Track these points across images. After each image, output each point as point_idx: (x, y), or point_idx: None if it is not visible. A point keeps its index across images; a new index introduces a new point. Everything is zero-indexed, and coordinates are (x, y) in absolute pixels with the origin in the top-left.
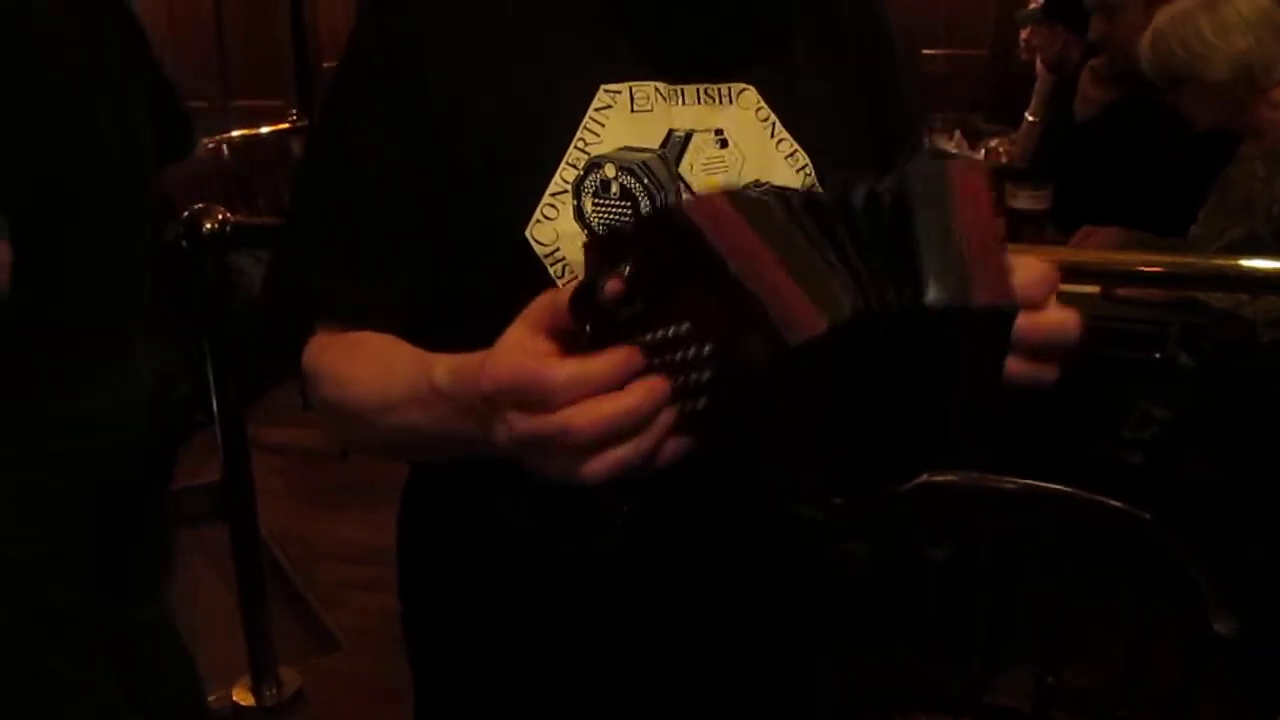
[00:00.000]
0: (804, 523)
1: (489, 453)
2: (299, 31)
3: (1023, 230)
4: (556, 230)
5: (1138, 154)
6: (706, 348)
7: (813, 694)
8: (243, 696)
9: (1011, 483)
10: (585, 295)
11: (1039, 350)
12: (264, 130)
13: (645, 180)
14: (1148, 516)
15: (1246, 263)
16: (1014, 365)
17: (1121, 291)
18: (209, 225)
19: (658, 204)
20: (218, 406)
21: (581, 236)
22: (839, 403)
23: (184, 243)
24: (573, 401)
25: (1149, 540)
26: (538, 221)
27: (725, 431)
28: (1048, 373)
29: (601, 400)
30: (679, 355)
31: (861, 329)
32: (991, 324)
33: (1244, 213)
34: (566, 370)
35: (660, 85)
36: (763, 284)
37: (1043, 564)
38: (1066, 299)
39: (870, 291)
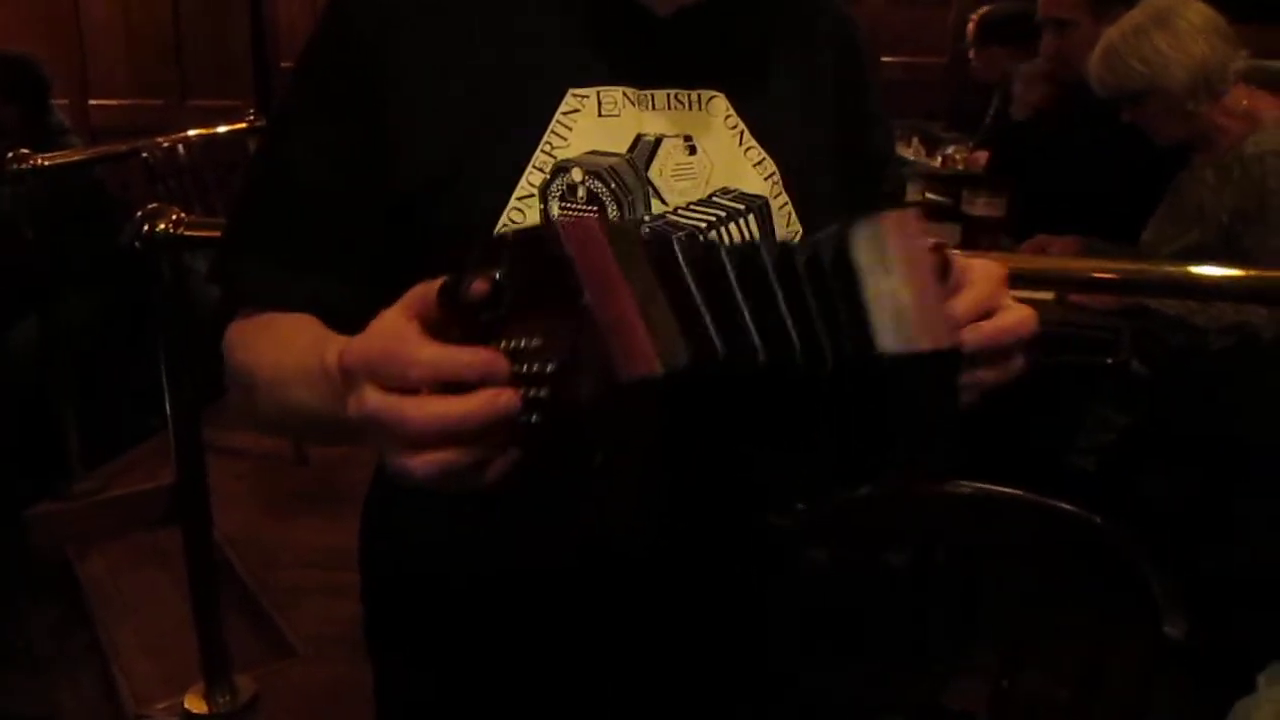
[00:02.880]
0: (769, 529)
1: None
2: (258, 31)
3: (979, 237)
4: (523, 216)
5: (1081, 155)
6: (549, 366)
7: (780, 698)
8: (195, 704)
9: (966, 487)
10: (451, 290)
11: (1004, 352)
12: (221, 129)
13: (613, 185)
14: (1098, 520)
15: (1196, 269)
16: (984, 374)
17: (1074, 297)
18: (162, 226)
19: (551, 225)
20: (172, 408)
21: (541, 217)
22: (667, 455)
23: (137, 244)
24: (427, 383)
25: (1101, 544)
26: (504, 225)
27: (550, 456)
28: (1017, 368)
29: (447, 400)
30: (525, 368)
31: (707, 381)
32: (939, 365)
33: (1195, 220)
34: (428, 352)
35: (629, 90)
36: (609, 316)
37: (1000, 568)
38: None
39: (737, 344)
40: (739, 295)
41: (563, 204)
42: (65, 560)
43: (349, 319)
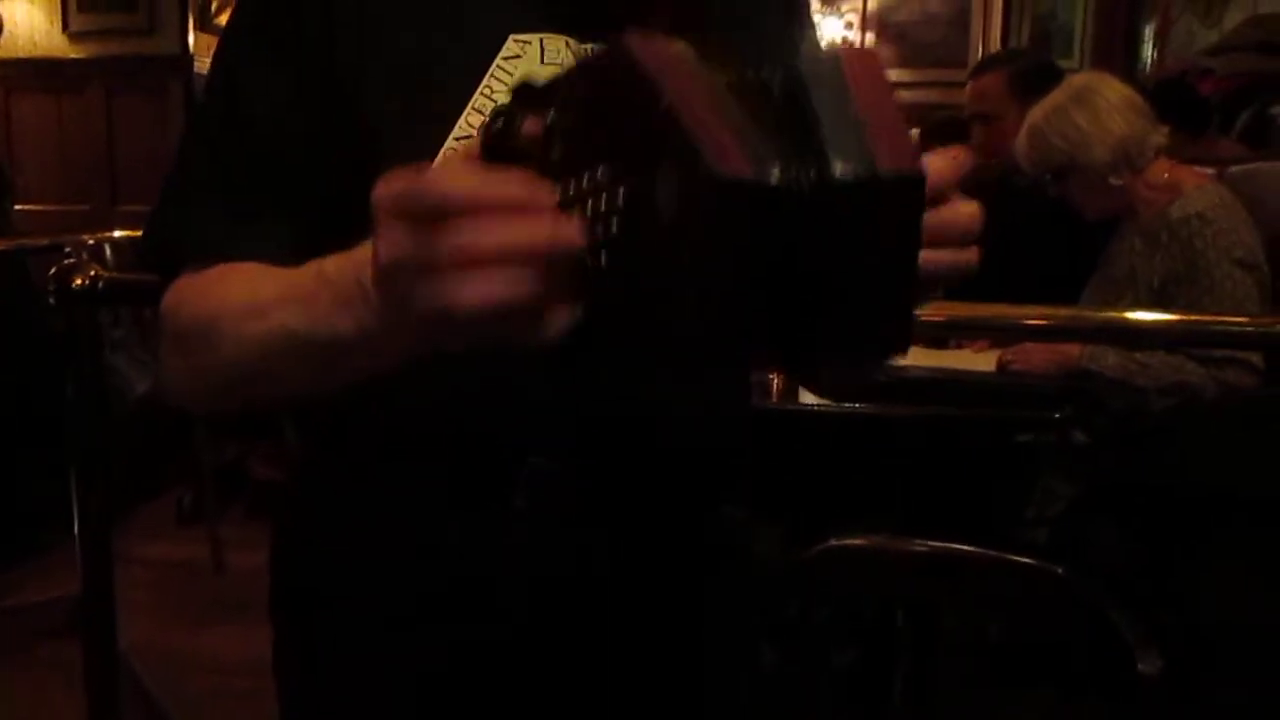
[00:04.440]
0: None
1: (354, 362)
2: None
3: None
4: None
5: (1015, 233)
6: (620, 191)
7: None
8: None
9: (921, 545)
10: (500, 135)
11: (956, 240)
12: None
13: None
14: (1060, 570)
15: (1131, 315)
16: (935, 256)
17: (1014, 366)
18: (79, 281)
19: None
20: (80, 509)
21: None
22: (750, 274)
23: (52, 300)
24: (470, 215)
25: (1063, 595)
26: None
27: (620, 299)
28: (969, 259)
29: (498, 220)
30: (589, 205)
31: (782, 199)
32: (902, 194)
33: (1128, 286)
34: (469, 178)
35: (570, 40)
36: (696, 117)
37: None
38: (960, 378)
39: (793, 164)
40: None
41: None
42: None
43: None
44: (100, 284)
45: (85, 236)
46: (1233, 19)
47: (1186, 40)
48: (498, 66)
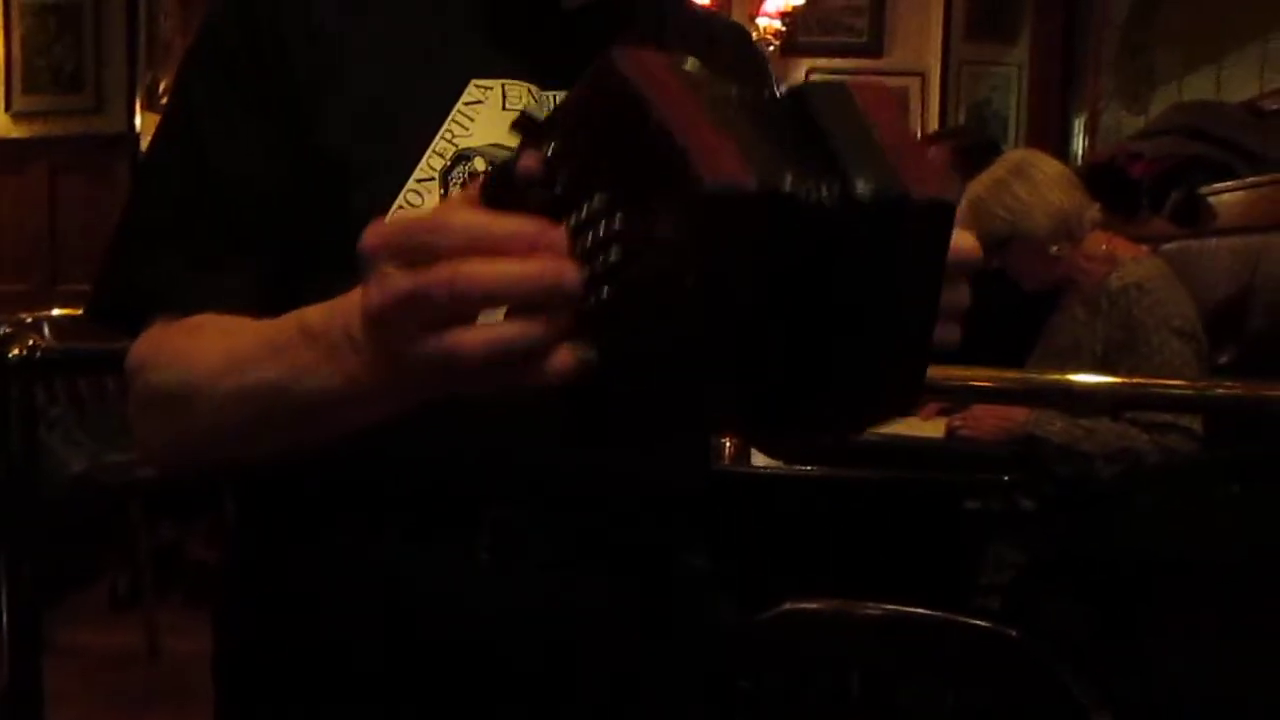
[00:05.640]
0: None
1: (341, 416)
2: None
3: None
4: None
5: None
6: (618, 218)
7: None
8: None
9: (875, 609)
10: (499, 178)
11: (957, 274)
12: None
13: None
14: (1014, 633)
15: (1074, 377)
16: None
17: (962, 432)
18: (17, 351)
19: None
20: (5, 594)
21: None
22: (764, 301)
23: None
24: (469, 248)
25: (1017, 659)
26: (400, 208)
27: (626, 334)
28: (963, 299)
29: (495, 260)
30: (590, 237)
31: (796, 215)
32: (931, 220)
33: (1071, 356)
34: (463, 217)
35: (533, 87)
36: (687, 130)
37: (913, 695)
38: (909, 444)
39: (809, 178)
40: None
41: (465, 185)
42: None
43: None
44: (38, 354)
45: (23, 314)
46: (1158, 106)
47: (1115, 127)
48: (459, 111)
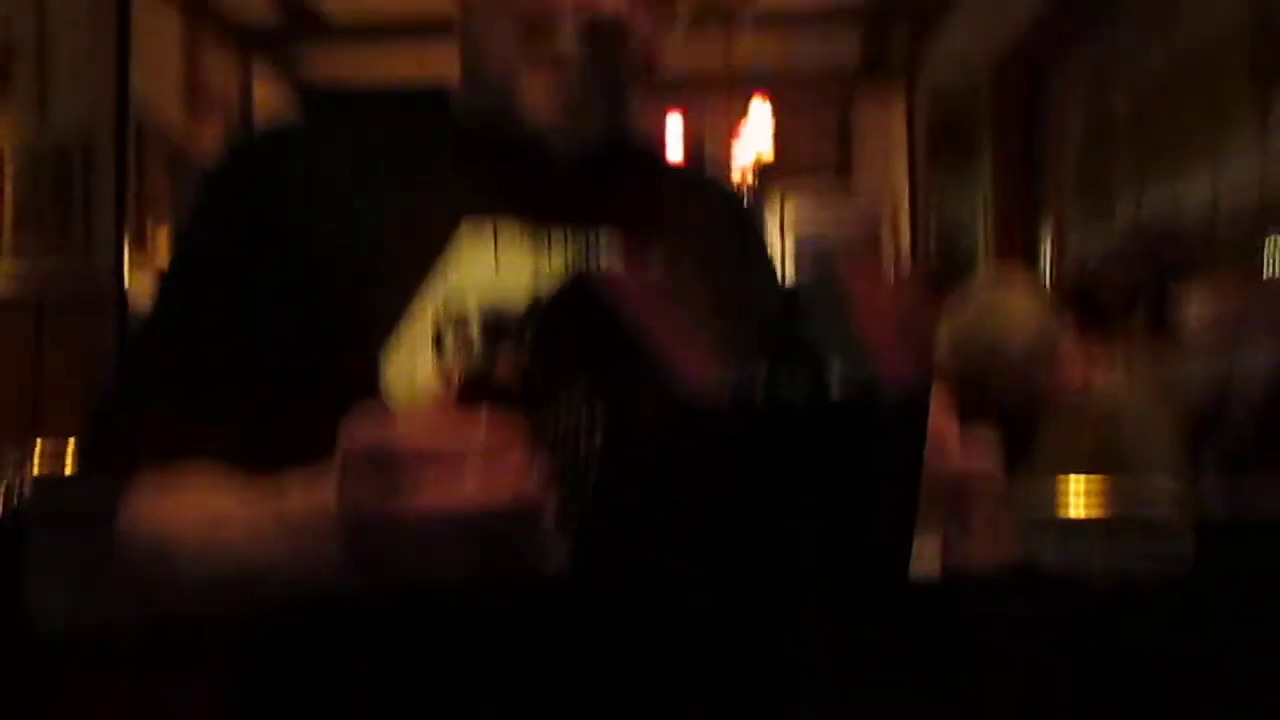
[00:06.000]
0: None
1: (328, 591)
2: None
3: None
4: (414, 359)
5: None
6: (596, 421)
7: None
8: None
9: None
10: (476, 384)
11: (962, 500)
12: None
13: (509, 315)
14: None
15: (1066, 494)
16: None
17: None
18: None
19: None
20: None
21: (436, 365)
22: (741, 494)
23: None
24: (436, 456)
25: None
26: (392, 355)
27: (610, 528)
28: (992, 550)
29: (474, 468)
30: (568, 439)
31: (768, 408)
32: (905, 411)
33: (1058, 472)
34: (435, 428)
35: (526, 227)
36: (662, 337)
37: None
38: None
39: (782, 371)
40: (755, 324)
41: (457, 334)
42: None
43: (253, 465)
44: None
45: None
46: (1120, 221)
47: (1079, 244)
48: (451, 252)
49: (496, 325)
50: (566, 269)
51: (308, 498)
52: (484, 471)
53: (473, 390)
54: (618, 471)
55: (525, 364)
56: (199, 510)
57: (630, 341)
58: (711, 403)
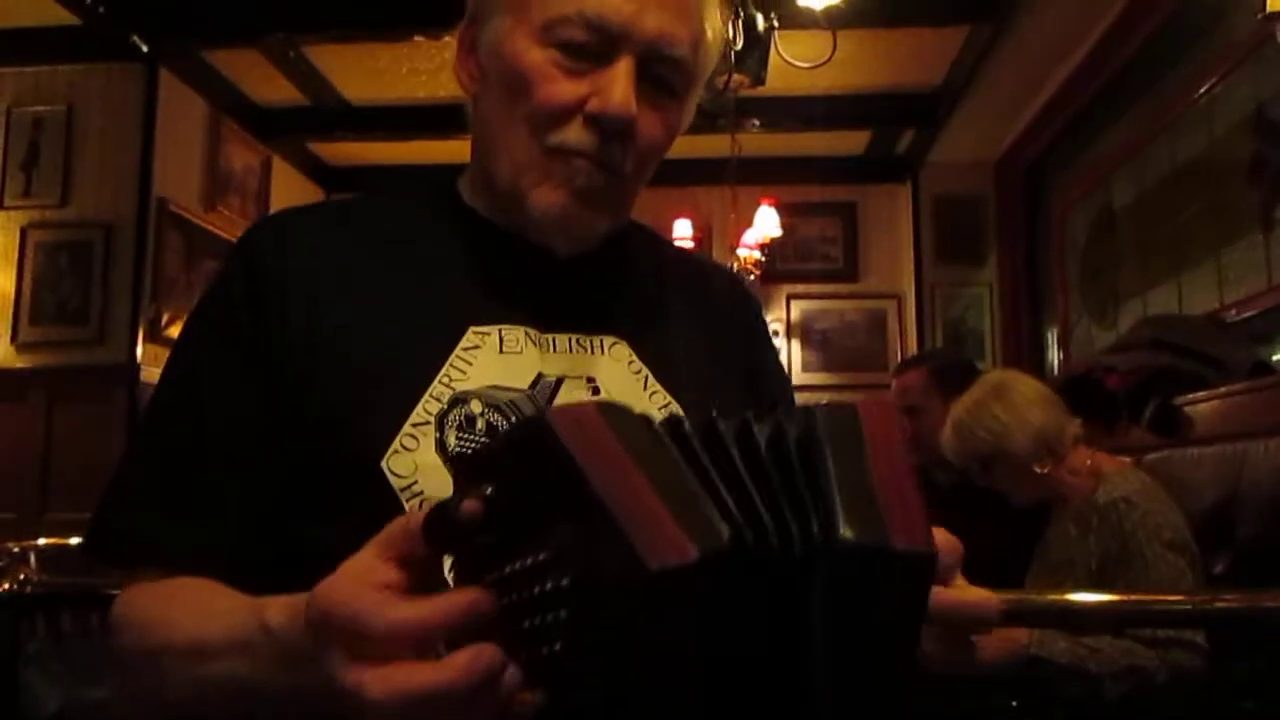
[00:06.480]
0: None
1: (311, 704)
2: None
3: None
4: (415, 462)
5: (952, 526)
6: (564, 580)
7: None
8: None
9: None
10: (439, 519)
11: (958, 626)
12: (74, 541)
13: (513, 418)
14: None
15: (1074, 596)
16: (931, 645)
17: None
18: (7, 586)
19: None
20: None
21: (442, 469)
22: (717, 656)
23: None
24: (397, 645)
25: None
26: (395, 452)
27: (582, 684)
28: (966, 660)
29: (412, 671)
30: (536, 589)
31: (744, 566)
32: (910, 572)
33: (1067, 572)
34: (388, 617)
35: (530, 331)
36: (625, 504)
37: None
38: None
39: (764, 526)
40: (745, 475)
41: (459, 434)
42: None
43: (240, 569)
44: (29, 588)
45: (10, 544)
46: (1125, 321)
47: (1086, 341)
48: (457, 355)
49: (488, 430)
50: (568, 374)
51: (292, 612)
52: (444, 666)
53: (436, 528)
54: (581, 644)
55: (489, 503)
56: (186, 615)
57: (596, 504)
58: (682, 570)
